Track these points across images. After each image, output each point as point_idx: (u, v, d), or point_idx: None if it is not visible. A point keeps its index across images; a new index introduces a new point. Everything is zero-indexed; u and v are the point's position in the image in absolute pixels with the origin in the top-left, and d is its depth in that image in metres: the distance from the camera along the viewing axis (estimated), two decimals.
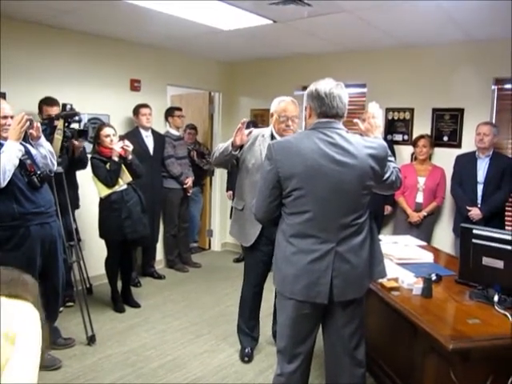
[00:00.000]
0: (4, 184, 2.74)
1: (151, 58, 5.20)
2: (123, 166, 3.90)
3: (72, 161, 3.82)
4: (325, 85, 2.08)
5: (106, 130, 3.91)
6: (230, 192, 5.70)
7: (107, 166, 3.83)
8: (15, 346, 1.29)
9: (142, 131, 4.85)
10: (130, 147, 3.89)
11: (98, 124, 4.33)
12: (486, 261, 2.43)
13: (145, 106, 4.84)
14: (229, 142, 3.02)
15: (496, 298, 2.29)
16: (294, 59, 5.49)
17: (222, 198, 6.25)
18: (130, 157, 3.90)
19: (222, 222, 6.40)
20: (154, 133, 4.98)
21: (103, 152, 3.90)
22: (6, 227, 2.84)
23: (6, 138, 2.84)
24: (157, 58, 5.25)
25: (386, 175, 2.18)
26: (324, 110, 2.08)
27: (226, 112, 6.24)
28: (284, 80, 5.50)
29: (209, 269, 5.56)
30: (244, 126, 2.99)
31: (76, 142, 3.76)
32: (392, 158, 2.28)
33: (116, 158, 3.82)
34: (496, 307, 2.26)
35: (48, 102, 3.91)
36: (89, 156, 4.04)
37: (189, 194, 5.37)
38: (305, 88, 5.18)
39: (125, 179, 3.92)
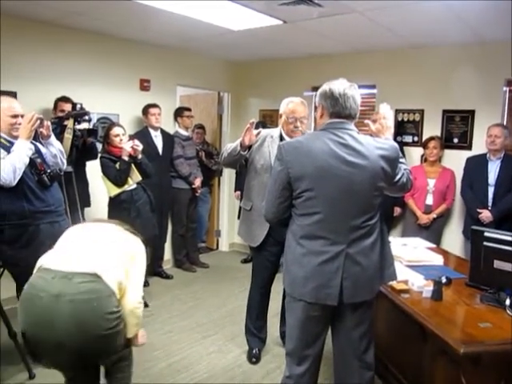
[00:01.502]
0: (14, 182, 2.76)
1: (161, 58, 5.21)
2: (133, 166, 3.90)
3: (82, 150, 3.80)
4: (339, 85, 2.07)
5: (116, 130, 3.92)
6: (238, 192, 5.69)
7: (117, 165, 3.84)
8: (134, 261, 2.21)
9: (151, 131, 4.86)
10: (140, 147, 3.89)
11: (108, 123, 4.34)
12: (498, 264, 2.41)
13: (154, 105, 4.85)
14: (237, 142, 3.01)
15: (508, 302, 2.27)
16: (303, 60, 5.48)
17: (230, 199, 6.25)
18: (139, 156, 3.91)
19: (230, 223, 6.39)
20: (163, 133, 4.99)
21: (112, 151, 3.91)
22: (16, 225, 2.85)
23: (16, 137, 2.86)
24: (167, 58, 5.26)
25: (398, 177, 2.17)
26: (337, 110, 2.06)
27: (234, 112, 6.24)
28: (293, 80, 5.49)
29: (216, 269, 5.56)
30: (252, 126, 2.98)
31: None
32: (403, 160, 2.27)
33: (126, 158, 3.83)
34: (508, 311, 2.24)
35: (63, 98, 3.96)
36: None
37: (197, 194, 5.37)
38: (314, 88, 5.24)
39: (134, 179, 3.92)
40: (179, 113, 5.30)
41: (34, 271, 2.11)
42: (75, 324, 1.91)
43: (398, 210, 4.68)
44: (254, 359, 3.32)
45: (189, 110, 5.36)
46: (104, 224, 2.42)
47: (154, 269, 5.16)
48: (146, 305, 4.25)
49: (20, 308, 2.03)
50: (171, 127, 5.33)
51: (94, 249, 2.17)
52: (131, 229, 2.39)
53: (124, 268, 2.15)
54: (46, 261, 2.12)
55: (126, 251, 2.23)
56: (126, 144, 3.84)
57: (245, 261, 5.85)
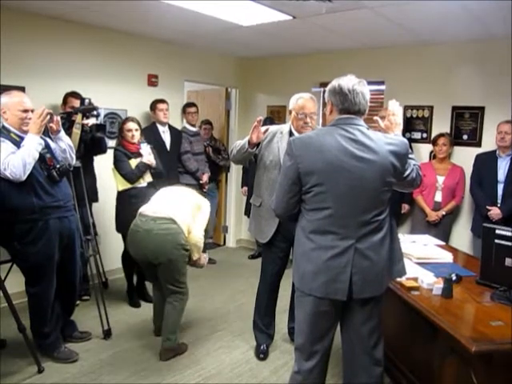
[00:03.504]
0: (24, 177, 2.76)
1: (169, 54, 5.20)
2: None
3: (91, 145, 3.78)
4: (348, 81, 2.06)
5: (129, 125, 3.92)
6: (245, 188, 5.70)
7: (130, 161, 3.86)
8: (200, 210, 3.36)
9: (159, 126, 4.86)
10: (153, 162, 3.98)
11: (117, 119, 4.35)
12: (509, 262, 2.39)
13: (162, 101, 4.84)
14: (246, 139, 3.01)
15: None
16: (311, 56, 5.45)
17: (238, 195, 6.24)
18: (154, 165, 3.98)
19: (237, 219, 6.39)
20: (171, 128, 4.98)
21: (126, 146, 3.92)
22: (25, 220, 2.86)
23: (26, 132, 2.86)
24: (174, 54, 5.26)
25: (407, 172, 2.16)
26: (347, 106, 2.06)
27: (242, 108, 6.24)
28: (301, 76, 5.47)
29: (224, 265, 5.56)
30: (260, 123, 2.97)
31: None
32: (413, 156, 2.26)
33: (146, 162, 3.91)
34: None
35: (74, 94, 3.96)
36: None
37: (205, 190, 5.36)
38: (322, 84, 5.22)
39: (146, 179, 3.95)
40: (184, 109, 5.31)
41: (137, 217, 3.29)
42: (158, 249, 3.11)
43: (405, 207, 4.66)
44: (261, 355, 3.32)
45: (192, 106, 5.34)
46: (183, 188, 3.61)
47: None
48: (152, 300, 4.26)
49: (128, 239, 3.34)
50: (179, 123, 5.33)
51: (173, 202, 3.31)
52: (202, 194, 3.67)
53: (192, 215, 3.29)
54: (143, 209, 3.31)
55: (194, 204, 3.37)
56: (146, 156, 3.93)
57: (252, 257, 5.85)
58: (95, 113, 3.63)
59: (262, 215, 3.14)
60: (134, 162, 3.89)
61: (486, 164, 4.12)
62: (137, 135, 3.94)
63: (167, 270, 3.19)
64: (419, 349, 2.51)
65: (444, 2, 3.20)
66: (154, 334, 3.61)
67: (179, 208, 3.26)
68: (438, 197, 4.37)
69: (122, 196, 3.93)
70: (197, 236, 3.27)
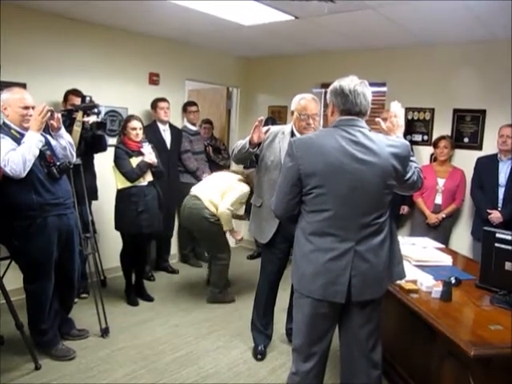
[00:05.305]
0: (24, 174, 2.76)
1: (171, 52, 5.19)
2: None
3: (91, 143, 3.77)
4: (349, 82, 2.06)
5: (134, 123, 3.92)
6: None
7: (132, 159, 3.86)
8: (231, 190, 4.01)
9: (160, 125, 4.85)
10: (155, 160, 3.97)
11: (119, 117, 4.35)
12: (509, 266, 2.39)
13: (163, 99, 4.84)
14: (247, 139, 3.00)
15: None
16: (313, 56, 5.44)
17: None
18: (155, 164, 3.97)
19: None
20: (172, 127, 4.97)
21: (128, 144, 3.91)
22: (24, 217, 2.86)
23: (27, 129, 2.85)
24: (176, 52, 5.25)
25: (408, 175, 2.15)
26: (348, 107, 2.05)
27: (243, 108, 6.23)
28: (303, 77, 5.46)
29: None
30: (261, 123, 2.96)
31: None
32: (414, 158, 2.25)
33: (148, 161, 3.90)
34: None
35: (75, 92, 3.95)
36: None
37: None
38: (324, 85, 5.22)
39: (146, 178, 3.95)
40: (185, 107, 5.30)
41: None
42: (189, 220, 4.10)
43: (405, 209, 4.64)
44: (259, 356, 3.31)
45: (193, 105, 5.33)
46: (228, 174, 4.30)
47: (160, 263, 5.17)
48: (151, 299, 4.26)
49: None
50: (179, 121, 5.32)
51: (209, 184, 4.14)
52: (244, 179, 4.13)
53: (221, 193, 3.99)
54: (192, 189, 4.18)
55: (227, 185, 4.05)
56: (148, 155, 3.92)
57: (251, 257, 5.84)
58: (96, 110, 3.62)
59: (263, 216, 3.13)
60: (134, 161, 3.88)
61: (487, 167, 4.12)
62: (140, 134, 3.93)
63: (202, 238, 4.22)
64: (418, 352, 2.51)
65: (446, 3, 3.19)
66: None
67: (209, 188, 4.04)
68: (439, 199, 4.36)
69: (121, 194, 3.93)
70: (222, 208, 3.93)
